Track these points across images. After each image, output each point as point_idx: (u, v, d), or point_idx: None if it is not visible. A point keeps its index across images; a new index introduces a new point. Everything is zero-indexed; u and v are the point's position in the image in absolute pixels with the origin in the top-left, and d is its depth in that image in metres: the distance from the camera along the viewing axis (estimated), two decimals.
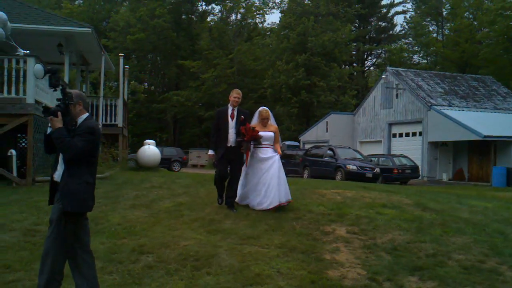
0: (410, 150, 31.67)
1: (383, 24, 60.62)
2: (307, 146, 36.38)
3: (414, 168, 26.93)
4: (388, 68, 38.62)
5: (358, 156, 25.25)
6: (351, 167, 22.28)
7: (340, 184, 14.02)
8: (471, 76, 40.21)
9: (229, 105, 8.74)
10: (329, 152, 24.45)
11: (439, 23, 59.00)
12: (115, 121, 18.79)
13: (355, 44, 55.74)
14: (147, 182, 12.09)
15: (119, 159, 17.77)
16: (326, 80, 44.71)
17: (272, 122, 9.05)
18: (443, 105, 31.93)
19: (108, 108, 18.76)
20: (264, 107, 9.17)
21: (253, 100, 49.06)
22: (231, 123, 8.61)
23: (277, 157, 8.67)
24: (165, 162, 27.69)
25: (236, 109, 8.71)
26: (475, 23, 51.74)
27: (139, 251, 6.33)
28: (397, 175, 25.51)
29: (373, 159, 26.86)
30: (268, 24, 66.54)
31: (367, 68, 62.52)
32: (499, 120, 30.76)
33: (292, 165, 29.18)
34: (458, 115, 30.13)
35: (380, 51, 60.09)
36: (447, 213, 9.05)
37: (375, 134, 36.75)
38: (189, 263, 5.98)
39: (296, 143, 41.49)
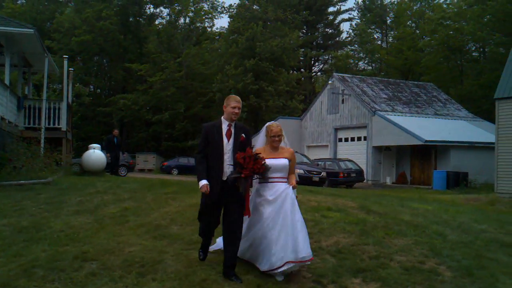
0: (355, 154, 32.39)
1: (330, 31, 61.77)
2: None
3: (359, 172, 27.56)
4: (335, 74, 39.39)
5: (305, 160, 25.59)
6: (298, 171, 22.47)
7: None
8: (413, 83, 41.57)
9: (222, 118, 6.00)
10: None
11: (384, 31, 60.77)
12: (58, 124, 18.32)
13: (302, 50, 56.49)
14: (92, 187, 11.83)
15: (62, 163, 17.31)
16: (274, 85, 45.07)
17: (285, 143, 6.34)
18: (387, 111, 32.85)
19: (51, 111, 18.27)
20: (274, 122, 6.32)
21: (201, 104, 48.90)
22: (228, 146, 5.89)
23: (289, 191, 5.91)
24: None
25: (233, 125, 5.98)
26: (417, 31, 53.63)
27: (82, 258, 6.19)
28: (343, 179, 26.03)
29: (319, 163, 27.30)
30: (217, 28, 66.25)
31: (314, 73, 63.49)
32: (439, 126, 31.91)
33: None
34: (401, 120, 31.08)
35: (327, 57, 61.18)
36: (389, 216, 9.29)
37: (321, 138, 37.35)
38: (134, 269, 5.89)
39: None
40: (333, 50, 59.68)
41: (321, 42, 61.77)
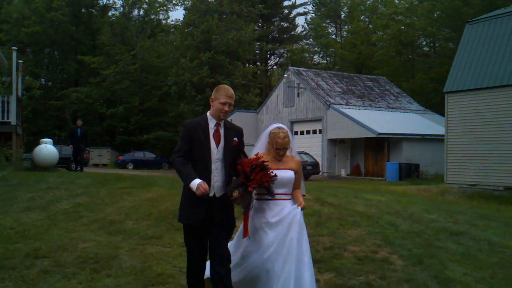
0: (311, 147, 32.76)
1: (285, 25, 62.07)
2: None
3: (315, 165, 27.91)
4: (290, 67, 39.67)
5: None
6: None
7: None
8: (367, 77, 42.33)
9: (208, 114, 4.66)
10: None
11: (338, 25, 61.54)
12: (7, 118, 17.74)
13: (258, 43, 56.58)
14: (43, 182, 11.54)
15: (12, 159, 16.79)
16: (230, 78, 44.97)
17: (293, 151, 5.07)
18: (341, 104, 33.35)
19: (0, 105, 17.68)
20: (280, 125, 5.01)
21: (157, 97, 48.31)
22: (216, 152, 4.57)
23: (297, 213, 4.69)
24: (64, 162, 26.52)
25: (222, 124, 4.67)
26: (371, 26, 54.55)
27: (34, 256, 6.04)
28: None
29: None
30: (172, 20, 65.62)
31: (270, 67, 63.71)
32: (391, 118, 32.65)
33: None
34: (355, 113, 31.62)
35: (283, 51, 61.48)
36: (344, 207, 9.47)
37: None
38: (88, 266, 5.80)
39: None
40: (289, 44, 60.03)
41: (277, 35, 62.01)
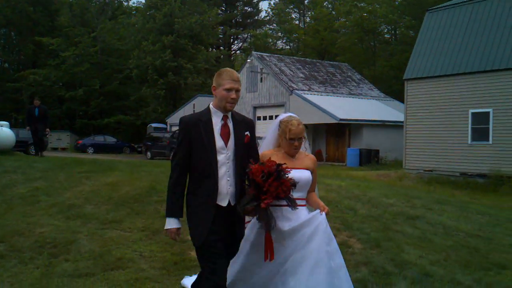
0: None
1: (249, 10, 61.87)
2: (174, 128, 36.15)
3: None
4: (253, 52, 39.55)
5: None
6: None
7: None
8: (329, 63, 42.64)
9: (211, 106, 3.82)
10: None
11: (301, 11, 61.63)
12: None
13: (221, 27, 56.26)
14: None
15: None
16: (193, 62, 44.65)
17: (306, 146, 4.17)
18: (304, 90, 33.53)
19: None
20: (292, 115, 4.11)
21: (118, 81, 47.53)
22: (225, 152, 3.73)
23: (321, 220, 3.75)
24: (21, 145, 25.85)
25: (230, 117, 3.84)
26: (333, 12, 54.85)
27: None
28: None
29: None
30: (133, 2, 64.32)
31: (233, 51, 63.50)
32: (353, 105, 33.05)
33: (159, 148, 28.92)
34: (317, 99, 31.86)
35: (246, 35, 61.32)
36: None
37: None
38: (45, 250, 5.71)
39: (163, 125, 41.06)
40: (252, 28, 59.87)
41: (240, 20, 61.76)
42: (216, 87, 3.75)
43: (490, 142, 18.83)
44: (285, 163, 3.68)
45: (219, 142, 3.70)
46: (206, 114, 3.77)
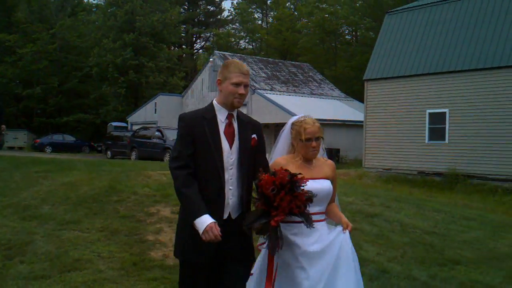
0: None
1: (212, 9, 61.68)
2: (135, 127, 35.72)
3: None
4: (216, 51, 39.48)
5: None
6: None
7: (167, 165, 14.06)
8: (291, 63, 42.94)
9: (215, 103, 3.36)
10: (157, 133, 24.36)
11: (264, 11, 61.84)
12: None
13: (184, 26, 55.88)
14: None
15: None
16: (155, 61, 44.24)
17: (321, 151, 3.69)
18: (266, 89, 33.68)
19: None
20: (307, 116, 3.61)
21: (77, 79, 46.62)
22: (229, 155, 3.28)
23: (346, 239, 3.32)
24: None
25: (236, 116, 3.39)
26: (296, 13, 55.27)
27: None
28: None
29: None
30: (93, 0, 63.12)
31: (196, 50, 63.18)
32: (314, 104, 33.38)
33: (119, 147, 28.54)
34: (279, 99, 32.06)
35: (209, 34, 61.12)
36: None
37: None
38: None
39: (124, 124, 40.51)
40: (215, 27, 59.72)
41: (203, 19, 61.51)
42: (221, 81, 3.29)
43: (447, 141, 19.34)
44: (300, 173, 3.11)
45: (224, 143, 3.24)
46: (210, 111, 3.30)
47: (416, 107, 20.26)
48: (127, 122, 41.66)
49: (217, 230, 3.00)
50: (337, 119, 30.98)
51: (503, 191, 16.68)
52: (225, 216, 3.18)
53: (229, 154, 3.24)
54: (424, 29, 20.98)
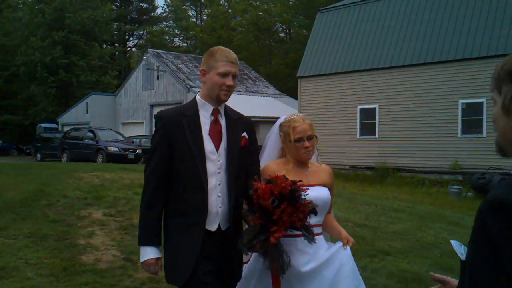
0: None
1: (145, 6, 60.62)
2: (66, 128, 34.65)
3: None
4: (149, 49, 38.94)
5: (120, 137, 25.06)
6: (113, 149, 22.07)
7: (100, 167, 13.78)
8: None
9: (198, 98, 2.91)
10: (89, 134, 23.75)
11: (198, 9, 61.50)
12: None
13: (116, 23, 54.66)
14: None
15: None
16: (86, 59, 43.02)
17: (315, 154, 3.20)
18: (201, 87, 33.56)
19: None
20: (296, 114, 3.27)
21: (3, 78, 44.61)
22: (215, 157, 2.80)
23: (347, 256, 2.91)
24: None
25: (223, 111, 2.94)
26: (230, 11, 55.33)
27: None
28: None
29: (135, 140, 26.94)
30: None
31: (129, 48, 61.98)
32: (250, 102, 33.56)
33: (49, 149, 27.65)
34: None
35: (142, 32, 60.08)
36: None
37: (137, 115, 36.81)
38: None
39: (54, 125, 39.18)
40: (148, 25, 58.79)
41: (136, 16, 60.39)
42: (206, 71, 2.85)
43: (377, 136, 20.01)
44: (300, 180, 2.72)
45: (208, 145, 2.78)
46: (191, 108, 2.86)
47: (348, 103, 20.82)
48: (57, 123, 40.36)
49: (159, 268, 2.75)
50: (272, 116, 31.27)
51: (430, 182, 17.47)
52: (214, 227, 2.75)
53: (216, 156, 2.79)
54: (354, 26, 21.57)
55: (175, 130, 2.74)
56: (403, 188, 16.57)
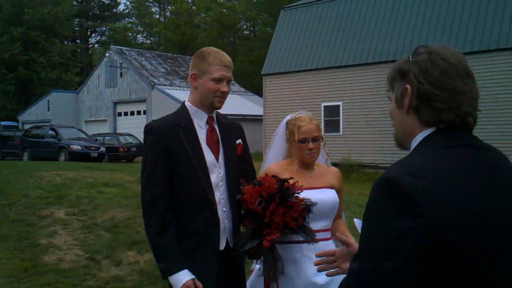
0: (135, 128, 32.19)
1: (107, 2, 59.69)
2: (26, 126, 33.85)
3: (140, 146, 27.55)
4: (112, 46, 38.37)
5: (83, 135, 24.66)
6: (75, 147, 21.70)
7: (62, 165, 13.53)
8: (191, 58, 42.49)
9: (189, 105, 2.71)
10: (51, 132, 23.28)
11: (162, 5, 60.91)
12: None
13: (77, 20, 53.64)
14: None
15: None
16: (47, 56, 42.10)
17: (323, 156, 3.10)
18: (165, 85, 33.29)
19: None
20: (303, 113, 2.97)
21: None
22: (216, 168, 2.62)
23: None
24: None
25: (215, 118, 2.76)
26: (194, 8, 55.05)
27: None
28: (123, 154, 25.77)
29: (98, 138, 26.55)
30: None
31: (91, 45, 60.93)
32: None
33: (9, 147, 27.00)
34: (180, 94, 31.80)
35: (104, 28, 59.16)
36: None
37: (100, 113, 36.24)
38: None
39: (14, 123, 38.21)
40: (111, 21, 57.92)
41: (98, 13, 59.37)
42: (197, 76, 2.62)
43: (341, 133, 20.25)
44: (292, 178, 2.56)
45: (208, 156, 2.57)
46: (183, 116, 2.61)
47: (312, 100, 20.99)
48: (17, 121, 39.40)
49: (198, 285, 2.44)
50: (238, 113, 31.32)
51: None
52: (222, 246, 2.56)
53: (217, 168, 2.58)
54: (317, 24, 21.76)
55: (173, 143, 2.49)
56: (367, 184, 16.83)
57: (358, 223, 1.82)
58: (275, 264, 2.51)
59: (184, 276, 2.41)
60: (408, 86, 1.40)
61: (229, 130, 2.73)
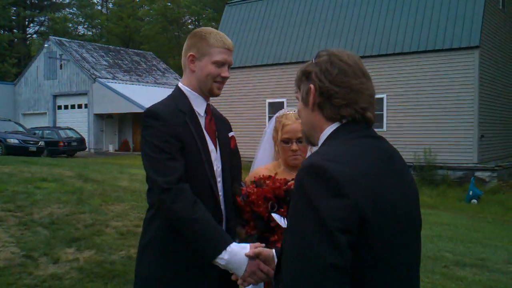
0: (76, 122, 31.44)
1: None
2: None
3: (81, 140, 26.92)
4: (51, 37, 37.16)
5: (20, 129, 23.83)
6: (12, 140, 20.95)
7: None
8: (134, 51, 42.01)
9: (187, 89, 2.38)
10: None
11: None
12: None
13: (14, 8, 51.61)
14: None
15: None
16: None
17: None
18: (108, 78, 32.60)
19: None
20: (291, 110, 2.71)
21: None
22: (217, 159, 2.37)
23: None
24: None
25: (209, 106, 2.44)
26: (137, 0, 54.12)
27: None
28: (63, 148, 25.13)
29: (37, 132, 25.74)
30: None
31: (29, 35, 58.74)
32: (159, 94, 32.89)
33: None
34: (122, 88, 31.28)
35: (43, 18, 57.15)
36: (107, 183, 9.40)
37: (39, 106, 35.08)
38: None
39: None
40: (50, 11, 56.00)
41: (36, 2, 57.30)
42: (196, 57, 2.35)
43: None
44: (293, 179, 2.18)
45: (210, 146, 2.34)
46: (184, 102, 2.33)
47: (256, 97, 21.14)
48: None
49: (265, 265, 2.06)
50: None
51: None
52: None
53: (217, 161, 2.35)
54: (262, 21, 21.89)
55: (180, 129, 2.21)
56: None
57: (278, 218, 2.02)
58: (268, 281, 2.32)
59: (236, 251, 2.07)
60: (312, 85, 1.56)
61: (221, 122, 2.51)
